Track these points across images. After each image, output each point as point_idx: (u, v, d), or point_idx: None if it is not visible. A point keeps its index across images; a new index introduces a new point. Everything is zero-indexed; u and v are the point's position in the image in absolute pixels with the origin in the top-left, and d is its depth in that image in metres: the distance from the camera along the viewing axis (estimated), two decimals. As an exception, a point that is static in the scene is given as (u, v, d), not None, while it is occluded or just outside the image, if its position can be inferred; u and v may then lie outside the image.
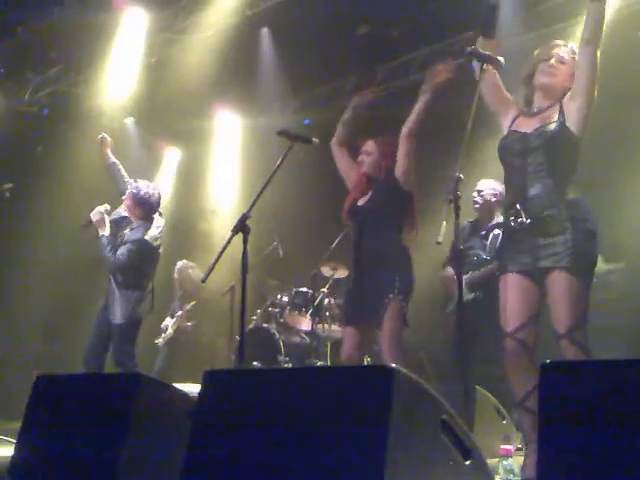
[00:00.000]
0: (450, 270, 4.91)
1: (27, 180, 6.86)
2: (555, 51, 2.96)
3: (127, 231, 4.81)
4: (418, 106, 3.61)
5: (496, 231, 4.67)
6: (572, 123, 2.84)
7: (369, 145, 3.77)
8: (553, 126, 2.84)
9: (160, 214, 4.96)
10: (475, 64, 3.04)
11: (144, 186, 4.86)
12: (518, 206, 2.83)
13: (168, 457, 2.14)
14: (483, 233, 4.80)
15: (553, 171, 2.81)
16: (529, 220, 2.78)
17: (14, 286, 6.58)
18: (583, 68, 2.84)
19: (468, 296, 4.84)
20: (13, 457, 2.50)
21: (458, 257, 2.81)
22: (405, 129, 3.61)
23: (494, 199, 4.74)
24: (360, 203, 3.73)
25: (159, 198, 4.91)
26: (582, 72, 2.85)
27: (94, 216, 4.74)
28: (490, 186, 4.78)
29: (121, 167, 5.14)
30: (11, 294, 6.33)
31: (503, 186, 4.79)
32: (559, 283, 2.70)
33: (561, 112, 2.87)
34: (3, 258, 6.69)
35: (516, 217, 2.83)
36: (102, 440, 2.24)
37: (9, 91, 7.54)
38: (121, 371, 4.59)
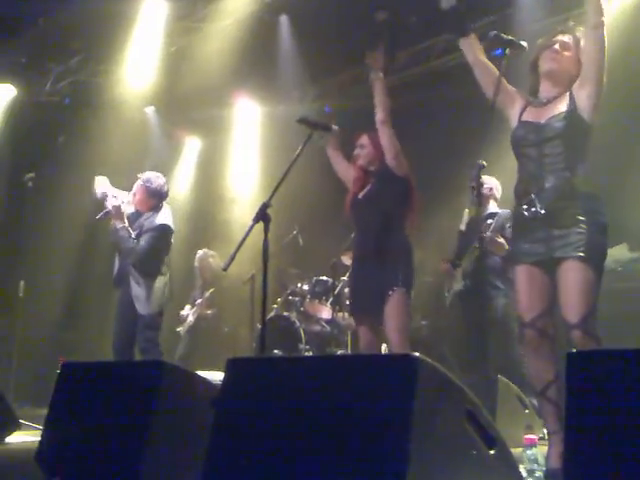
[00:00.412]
0: (446, 264, 5.00)
1: (49, 169, 6.93)
2: (558, 38, 2.92)
3: (143, 221, 4.82)
4: (377, 97, 3.64)
5: (489, 220, 4.72)
6: (583, 110, 2.81)
7: (363, 138, 3.78)
8: (566, 115, 2.81)
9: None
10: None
11: (154, 177, 4.86)
12: (533, 196, 2.80)
13: (192, 444, 2.16)
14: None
15: (569, 162, 2.78)
16: (543, 211, 2.76)
17: (37, 274, 6.66)
18: (591, 53, 2.80)
19: (459, 286, 4.90)
20: (40, 443, 2.54)
21: (482, 244, 2.78)
22: (378, 116, 3.62)
23: (489, 193, 4.88)
24: (360, 196, 3.74)
25: (168, 186, 4.94)
26: (590, 58, 2.81)
27: (115, 209, 4.71)
28: (486, 181, 4.87)
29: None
30: (35, 282, 6.40)
31: (497, 181, 4.86)
32: (574, 273, 2.68)
33: (572, 99, 2.83)
34: (27, 247, 6.76)
35: (530, 207, 2.80)
36: (127, 427, 2.27)
37: (31, 81, 7.60)
38: (146, 358, 4.63)
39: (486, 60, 3.07)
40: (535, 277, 2.81)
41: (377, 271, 3.51)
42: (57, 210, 7.10)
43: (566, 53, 2.89)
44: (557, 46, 2.89)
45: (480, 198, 2.67)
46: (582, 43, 2.88)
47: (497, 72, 2.97)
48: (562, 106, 2.84)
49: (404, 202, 3.65)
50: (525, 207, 2.82)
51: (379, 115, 3.61)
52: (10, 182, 7.47)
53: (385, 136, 3.61)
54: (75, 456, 2.40)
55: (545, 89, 2.94)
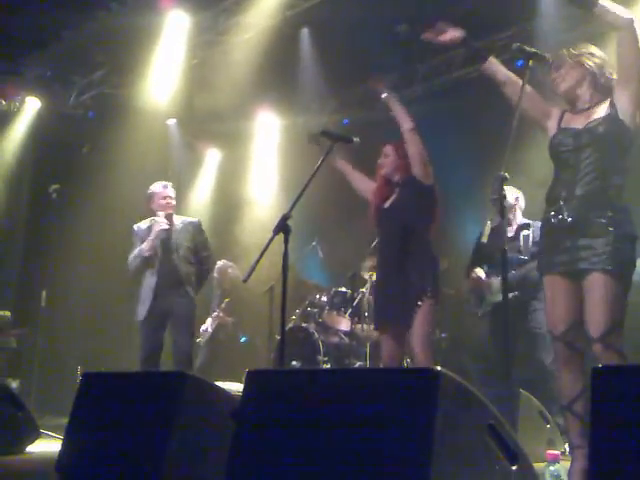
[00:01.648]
0: (480, 271, 4.90)
1: (73, 181, 7.01)
2: (557, 59, 2.94)
3: (184, 226, 4.97)
4: (397, 111, 3.63)
5: (525, 232, 4.67)
6: (624, 114, 2.75)
7: (387, 148, 3.76)
8: (604, 121, 2.77)
9: None
10: None
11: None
12: (562, 203, 2.76)
13: (213, 455, 2.15)
14: (511, 235, 4.79)
15: (605, 170, 2.73)
16: (570, 219, 2.72)
17: (61, 285, 6.73)
18: (625, 56, 2.75)
19: (496, 297, 4.81)
20: (60, 453, 2.55)
21: (504, 258, 2.75)
22: (406, 126, 3.59)
23: (515, 202, 4.81)
24: (386, 206, 3.70)
25: None
26: (625, 60, 2.76)
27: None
28: (510, 191, 4.80)
29: None
30: (58, 293, 6.47)
31: (519, 191, 4.79)
32: (597, 286, 2.63)
33: (612, 104, 2.79)
34: (49, 257, 6.83)
35: (557, 214, 2.76)
36: (148, 438, 2.27)
37: (55, 94, 7.73)
38: (179, 365, 4.65)
39: (514, 76, 3.04)
40: (563, 288, 2.76)
41: (404, 281, 3.47)
42: (80, 221, 7.18)
43: (561, 71, 2.91)
44: (553, 70, 2.92)
45: (503, 210, 2.64)
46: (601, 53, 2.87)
47: (532, 91, 2.95)
48: (602, 111, 2.80)
49: (429, 211, 3.64)
50: (553, 214, 2.79)
51: (407, 124, 3.59)
52: (34, 193, 7.58)
53: (414, 145, 3.59)
54: (95, 466, 2.41)
55: (582, 99, 2.91)
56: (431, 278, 3.49)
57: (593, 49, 2.93)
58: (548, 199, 2.87)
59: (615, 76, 2.85)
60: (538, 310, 4.65)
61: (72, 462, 2.51)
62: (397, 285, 3.51)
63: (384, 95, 3.68)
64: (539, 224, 4.58)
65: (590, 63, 2.87)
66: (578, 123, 2.85)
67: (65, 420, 2.65)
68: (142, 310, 4.78)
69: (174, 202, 4.99)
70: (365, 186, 3.90)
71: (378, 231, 3.79)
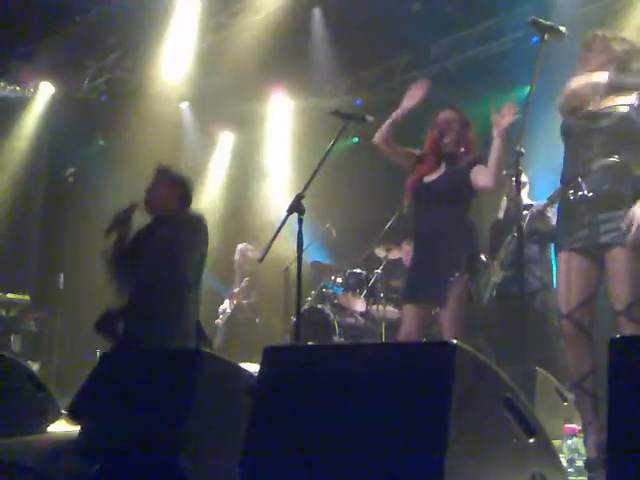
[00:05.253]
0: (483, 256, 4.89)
1: (88, 164, 7.07)
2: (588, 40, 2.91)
3: None
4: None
5: (524, 212, 4.60)
6: None
7: (450, 113, 3.53)
8: (623, 108, 2.74)
9: None
10: None
11: None
12: (579, 179, 2.73)
13: (230, 432, 2.17)
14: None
15: (620, 149, 2.71)
16: (591, 194, 2.69)
17: (78, 268, 6.79)
18: None
19: (498, 278, 4.78)
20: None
21: (520, 234, 2.73)
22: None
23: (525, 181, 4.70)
24: (427, 180, 3.52)
25: None
26: None
27: None
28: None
29: None
30: (74, 278, 6.53)
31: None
32: (620, 260, 2.63)
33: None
34: (66, 240, 6.90)
35: (576, 190, 2.74)
36: (165, 415, 2.29)
37: (69, 79, 7.76)
38: None
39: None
40: (577, 266, 2.74)
41: (440, 256, 3.34)
42: (96, 204, 7.22)
43: (589, 53, 2.89)
44: (584, 50, 2.92)
45: (519, 185, 2.62)
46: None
47: None
48: (626, 99, 2.76)
49: (471, 197, 3.47)
50: (571, 192, 2.76)
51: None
52: (50, 178, 7.64)
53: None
54: (114, 444, 2.44)
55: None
56: (464, 252, 3.32)
57: (627, 37, 2.90)
58: (563, 179, 2.85)
59: None
60: (535, 288, 4.64)
61: (91, 441, 2.54)
62: (432, 261, 3.37)
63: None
64: (540, 204, 4.57)
65: (618, 48, 2.84)
66: (597, 105, 2.81)
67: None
68: None
69: None
70: (405, 158, 3.66)
71: (414, 204, 3.59)
